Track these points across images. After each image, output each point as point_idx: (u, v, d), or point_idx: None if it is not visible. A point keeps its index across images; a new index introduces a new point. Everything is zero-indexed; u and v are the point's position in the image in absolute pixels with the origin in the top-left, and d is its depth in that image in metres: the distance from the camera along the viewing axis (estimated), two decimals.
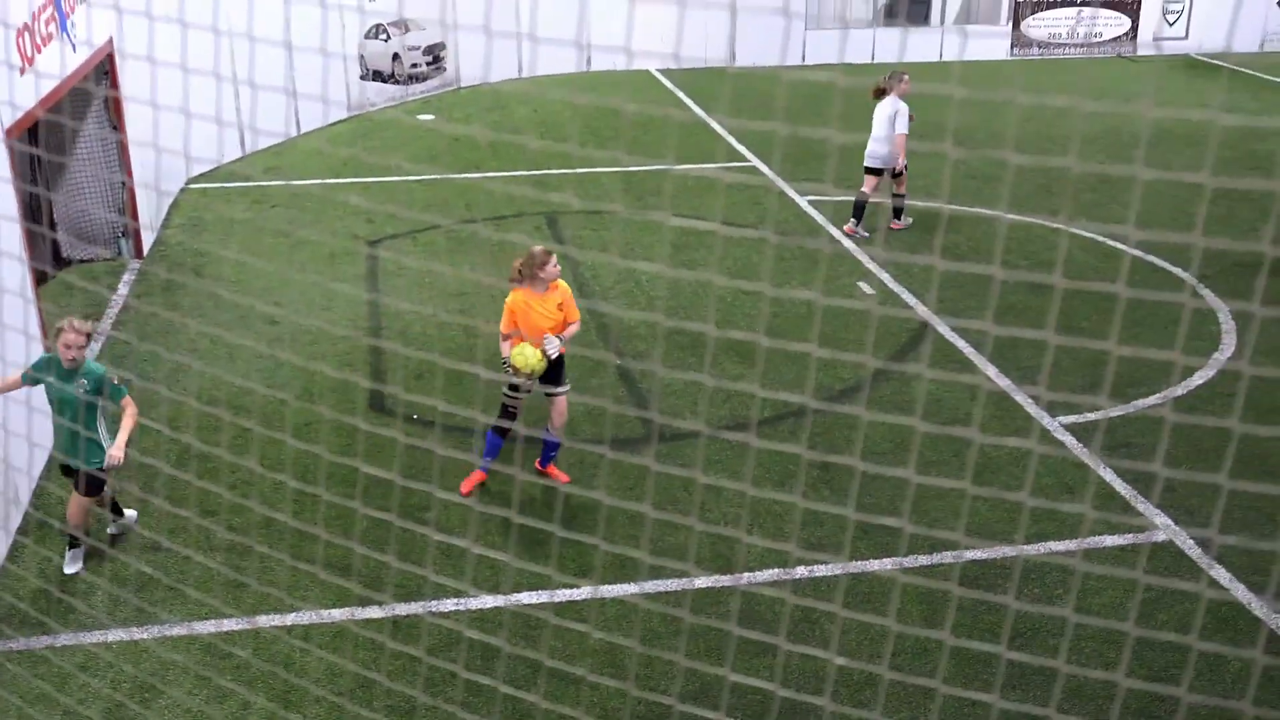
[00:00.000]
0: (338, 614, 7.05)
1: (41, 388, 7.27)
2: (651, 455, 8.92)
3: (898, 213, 13.89)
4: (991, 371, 10.29)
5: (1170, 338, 10.79)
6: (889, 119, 13.26)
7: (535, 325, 7.95)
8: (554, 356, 7.93)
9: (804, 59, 23.14)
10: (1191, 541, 7.94)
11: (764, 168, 16.36)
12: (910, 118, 13.35)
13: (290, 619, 6.99)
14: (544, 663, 6.54)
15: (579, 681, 6.46)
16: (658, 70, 22.50)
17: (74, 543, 7.44)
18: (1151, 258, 12.95)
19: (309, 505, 7.85)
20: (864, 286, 12.25)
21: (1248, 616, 7.19)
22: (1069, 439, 9.21)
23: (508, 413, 8.20)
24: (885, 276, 12.49)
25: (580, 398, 9.43)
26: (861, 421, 9.44)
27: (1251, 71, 23.35)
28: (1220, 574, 7.59)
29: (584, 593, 7.30)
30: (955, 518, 8.12)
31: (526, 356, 7.79)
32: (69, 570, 7.39)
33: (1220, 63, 24.03)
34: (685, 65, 22.32)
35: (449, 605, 7.16)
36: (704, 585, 7.41)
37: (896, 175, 13.59)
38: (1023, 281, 12.02)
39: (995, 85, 18.40)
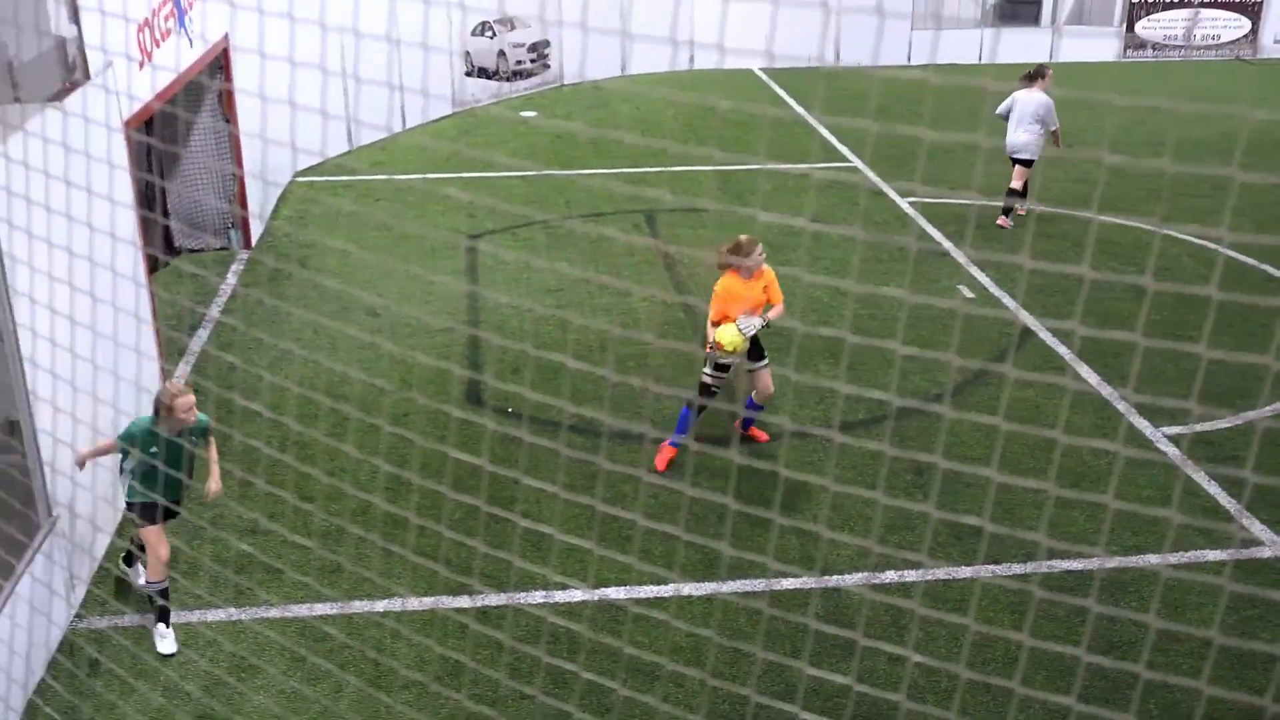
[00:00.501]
0: (428, 601, 7.17)
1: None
2: (741, 453, 8.92)
3: (1007, 210, 13.83)
4: (1094, 380, 10.08)
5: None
6: (1033, 112, 13.34)
7: (742, 309, 8.34)
8: (750, 335, 8.33)
9: (909, 59, 22.89)
10: None
11: (864, 168, 16.22)
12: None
13: (382, 605, 7.13)
14: (624, 650, 6.57)
15: (659, 674, 6.49)
16: (760, 69, 22.43)
17: (161, 614, 6.91)
18: (1266, 266, 12.56)
19: (403, 493, 8.00)
20: (964, 289, 12.09)
21: None
22: (1171, 449, 8.99)
23: (708, 391, 8.61)
24: (985, 280, 12.31)
25: (673, 390, 9.46)
26: (957, 425, 9.32)
27: None
28: None
29: (668, 590, 7.33)
30: (1050, 526, 7.97)
31: (733, 335, 8.27)
32: (168, 651, 6.82)
33: None
34: (787, 64, 22.23)
35: (537, 597, 7.24)
36: (790, 586, 7.39)
37: (1029, 164, 13.62)
38: (1129, 287, 11.75)
39: (1103, 87, 17.98)
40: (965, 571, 7.54)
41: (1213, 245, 13.15)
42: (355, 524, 7.69)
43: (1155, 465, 8.79)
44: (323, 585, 7.25)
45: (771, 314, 8.44)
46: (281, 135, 12.82)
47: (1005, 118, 13.64)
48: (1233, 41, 24.34)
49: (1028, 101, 13.38)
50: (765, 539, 7.79)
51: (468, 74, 19.31)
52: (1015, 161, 13.65)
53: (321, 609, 7.12)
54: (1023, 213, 14.10)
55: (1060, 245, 13.39)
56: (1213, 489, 8.48)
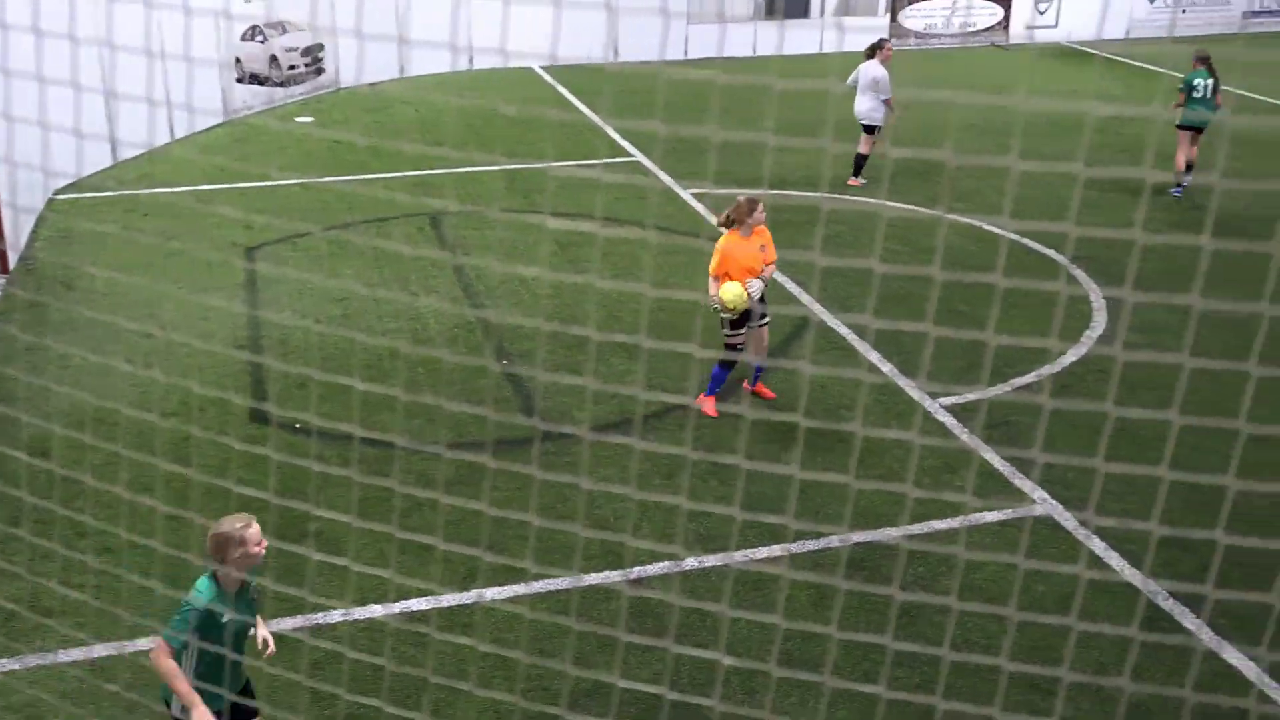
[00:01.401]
0: None
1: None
2: (537, 455, 8.88)
3: (857, 170, 15.33)
4: (874, 358, 10.43)
5: (1045, 319, 11.06)
6: (869, 82, 14.87)
7: (742, 265, 9.11)
8: (756, 296, 9.13)
9: (686, 54, 23.24)
10: (1069, 514, 8.14)
11: (648, 163, 16.38)
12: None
13: None
14: (428, 679, 6.45)
15: (463, 692, 6.39)
16: (540, 68, 22.42)
17: None
18: (1026, 241, 13.25)
19: (183, 526, 7.63)
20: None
21: (1124, 585, 7.39)
22: (950, 420, 9.39)
23: (734, 349, 9.37)
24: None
25: (460, 406, 9.34)
26: (745, 414, 9.51)
27: (1120, 58, 24.06)
28: (1097, 545, 7.80)
29: (469, 596, 7.23)
30: (841, 503, 8.21)
31: (735, 295, 9.00)
32: None
33: (1090, 50, 24.72)
34: (566, 62, 22.28)
35: (335, 616, 7.03)
36: (594, 582, 7.39)
37: (872, 130, 15.13)
38: (903, 268, 12.21)
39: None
40: (762, 553, 7.69)
41: (979, 223, 13.80)
42: (130, 565, 7.30)
43: (935, 438, 9.15)
44: (99, 632, 6.86)
45: (767, 272, 9.26)
46: (32, 157, 12.09)
47: (854, 87, 15.17)
48: (988, 29, 25.62)
49: (866, 72, 14.95)
50: (572, 539, 7.77)
51: (239, 80, 18.65)
52: (863, 128, 15.12)
53: (99, 650, 6.74)
54: (855, 183, 15.32)
55: (838, 230, 13.81)
56: (989, 455, 8.89)
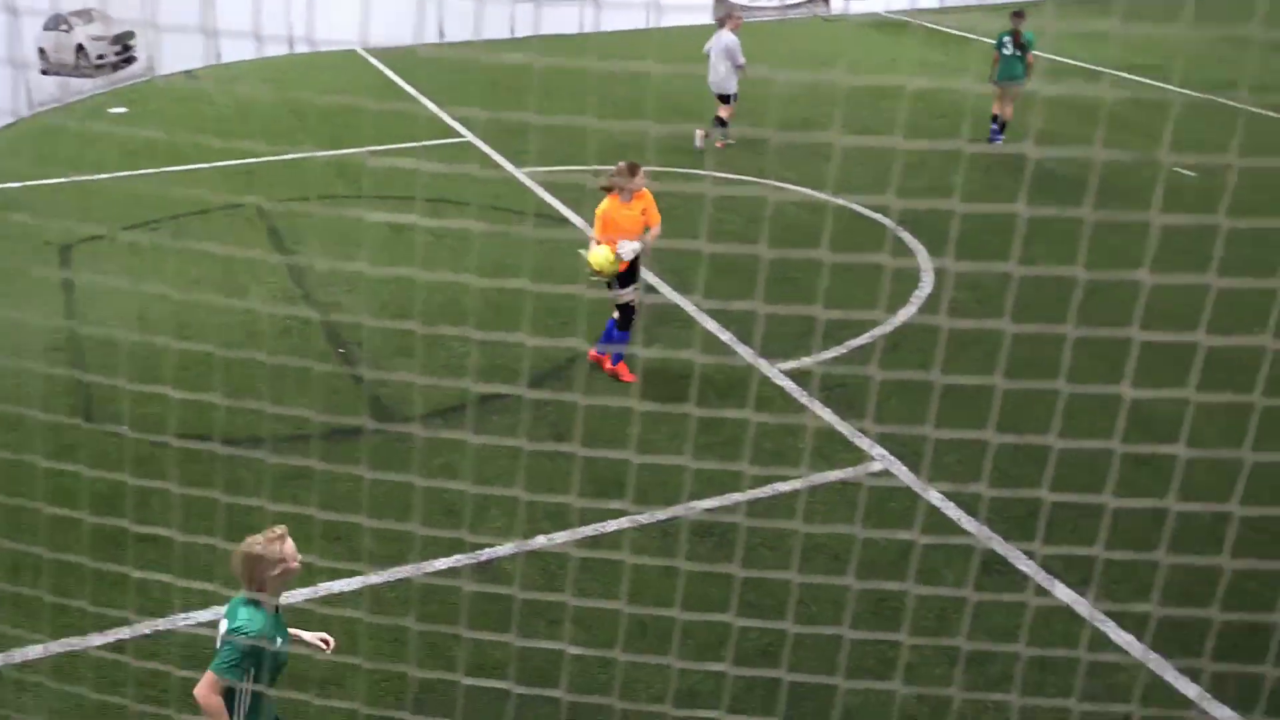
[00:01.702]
0: (56, 646, 6.55)
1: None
2: (373, 442, 8.71)
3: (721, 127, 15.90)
4: (712, 327, 10.54)
5: (877, 283, 11.32)
6: (721, 50, 15.46)
7: (619, 228, 9.18)
8: (628, 259, 9.14)
9: (513, 33, 23.01)
10: (905, 469, 8.37)
11: (479, 143, 16.19)
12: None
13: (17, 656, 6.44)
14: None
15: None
16: (364, 50, 21.94)
17: None
18: (855, 207, 13.55)
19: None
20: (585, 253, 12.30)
21: (961, 533, 7.64)
22: (789, 385, 9.54)
23: (628, 308, 9.46)
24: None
25: (295, 403, 9.09)
26: (593, 388, 9.50)
27: (936, 26, 24.77)
28: (934, 496, 8.03)
29: (309, 593, 7.05)
30: (686, 473, 8.25)
31: (601, 258, 8.99)
32: None
33: (907, 19, 25.41)
34: (390, 44, 21.85)
35: (204, 615, 6.77)
36: (443, 566, 7.29)
37: (725, 100, 15.72)
38: (736, 238, 12.36)
39: (698, 53, 18.76)
40: (611, 526, 7.70)
41: (810, 191, 14.05)
42: None
43: (776, 401, 9.30)
44: None
45: (649, 236, 9.29)
46: None
47: (709, 55, 15.72)
48: (809, 1, 26.10)
49: (718, 41, 15.58)
50: (414, 527, 7.63)
51: (44, 73, 17.77)
52: (718, 98, 15.74)
53: None
54: (721, 145, 15.89)
55: (670, 203, 13.87)
56: (827, 415, 9.08)
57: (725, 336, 10.37)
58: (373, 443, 8.70)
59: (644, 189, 9.30)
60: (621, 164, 9.31)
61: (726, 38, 15.53)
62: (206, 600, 6.77)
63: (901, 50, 22.51)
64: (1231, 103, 17.83)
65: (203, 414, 8.72)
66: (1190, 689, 6.36)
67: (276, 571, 4.60)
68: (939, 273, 11.72)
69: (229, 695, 4.54)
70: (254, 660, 4.54)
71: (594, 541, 7.56)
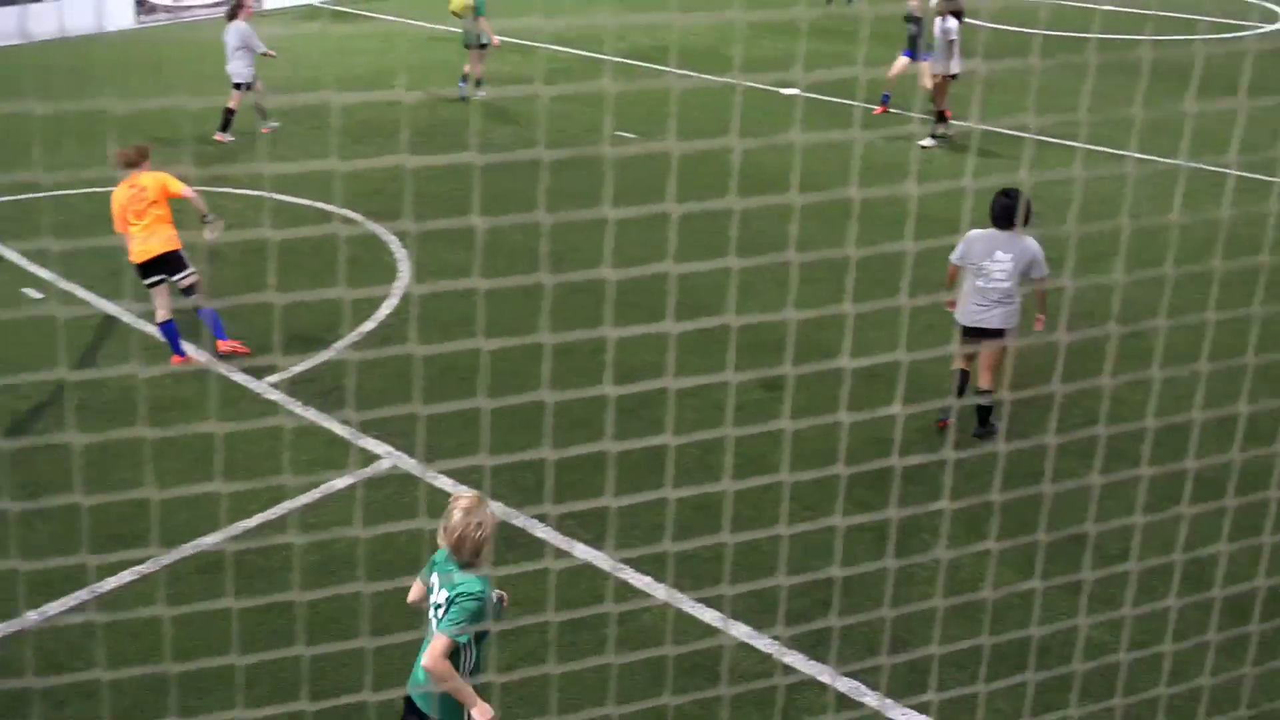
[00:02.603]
0: None
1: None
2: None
3: (224, 127, 15.79)
4: (189, 349, 9.90)
5: (357, 277, 11.15)
6: (233, 40, 15.32)
7: (128, 210, 9.32)
8: (214, 238, 9.67)
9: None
10: (413, 462, 8.31)
11: None
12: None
13: None
14: None
15: None
16: None
17: None
18: (320, 204, 13.24)
19: None
20: (31, 292, 11.13)
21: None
22: (281, 397, 9.18)
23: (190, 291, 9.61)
24: (52, 275, 11.44)
25: None
26: (66, 435, 8.60)
27: (361, 13, 24.71)
28: (444, 482, 8.05)
29: None
30: (191, 509, 7.67)
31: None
32: None
33: (347, 10, 25.15)
34: None
35: None
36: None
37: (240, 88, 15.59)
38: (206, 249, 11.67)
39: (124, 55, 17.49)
40: (111, 583, 7.02)
41: (259, 194, 13.55)
42: None
43: (271, 416, 8.90)
44: None
45: (187, 194, 9.45)
46: None
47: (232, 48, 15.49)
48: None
49: (229, 32, 15.41)
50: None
51: None
52: (234, 86, 15.58)
53: None
54: (266, 131, 16.01)
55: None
56: (326, 422, 8.82)
57: (204, 356, 9.78)
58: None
59: (139, 167, 9.39)
60: (125, 150, 9.55)
61: (242, 28, 15.33)
62: None
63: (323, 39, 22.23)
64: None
65: None
66: (709, 614, 6.85)
67: (483, 542, 4.77)
68: (415, 258, 11.74)
69: (453, 658, 4.69)
70: (479, 620, 4.68)
71: (110, 602, 6.85)
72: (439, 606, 4.77)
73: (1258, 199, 13.17)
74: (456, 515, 4.75)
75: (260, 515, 7.71)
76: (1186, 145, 13.46)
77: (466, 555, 4.75)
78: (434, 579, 4.86)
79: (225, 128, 15.75)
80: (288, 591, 6.93)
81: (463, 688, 4.71)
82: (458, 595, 4.68)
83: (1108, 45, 21.09)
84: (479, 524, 4.73)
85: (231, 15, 15.59)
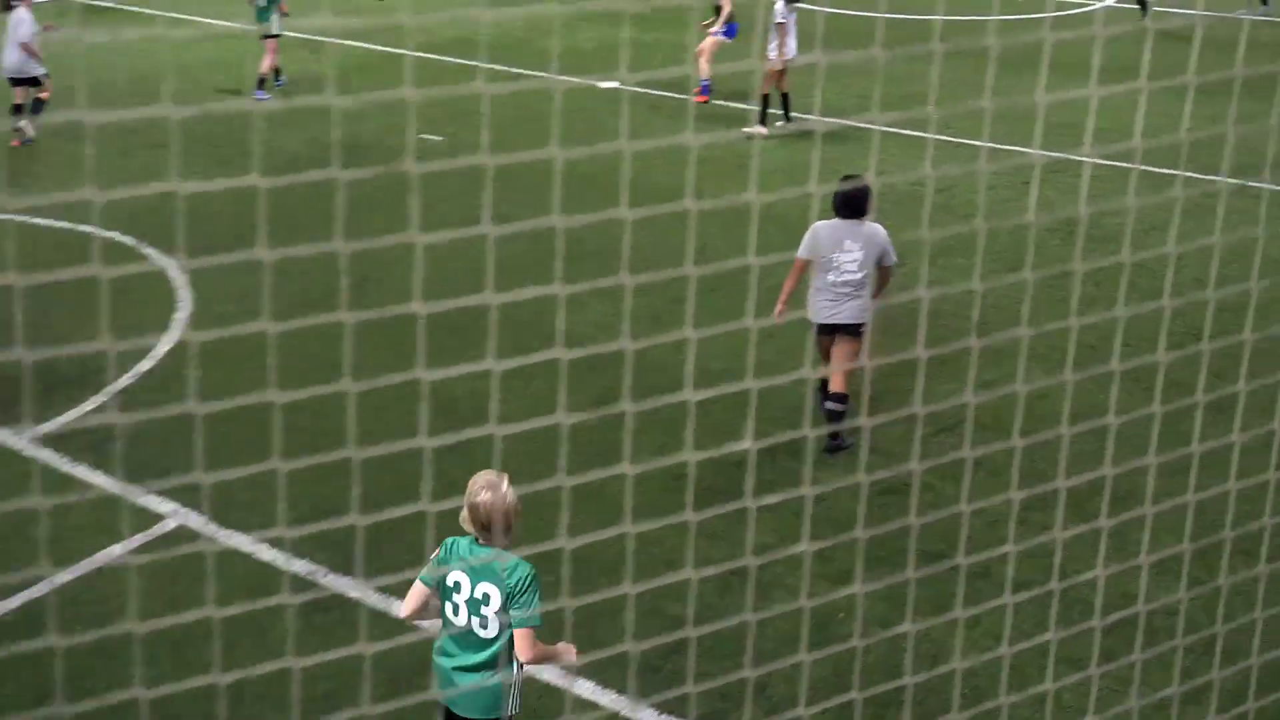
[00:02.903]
0: None
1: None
2: None
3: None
4: None
5: (131, 312, 10.03)
6: (20, 31, 14.46)
7: None
8: None
9: None
10: (201, 517, 7.38)
11: None
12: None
13: None
14: None
15: None
16: None
17: None
18: (85, 228, 11.94)
19: None
20: None
21: (264, 565, 6.87)
22: (48, 454, 8.08)
23: None
24: None
25: None
26: None
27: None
28: (241, 540, 7.16)
29: None
30: None
31: None
32: None
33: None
34: None
35: None
36: None
37: (33, 83, 14.82)
38: None
39: None
40: None
41: (43, 221, 12.20)
42: None
43: (38, 477, 7.80)
44: None
45: None
46: None
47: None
48: None
49: (16, 24, 14.48)
50: None
51: None
52: (11, 82, 14.82)
53: None
54: (16, 144, 15.00)
55: None
56: (100, 479, 7.79)
57: None
58: None
59: None
60: None
61: (23, 16, 14.50)
62: None
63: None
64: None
65: None
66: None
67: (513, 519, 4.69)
68: (196, 287, 10.67)
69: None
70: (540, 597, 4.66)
71: None
72: (481, 602, 4.62)
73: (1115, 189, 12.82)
74: (484, 495, 4.63)
75: (27, 593, 6.69)
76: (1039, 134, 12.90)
77: (500, 534, 4.64)
78: (456, 574, 4.66)
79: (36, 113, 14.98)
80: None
81: (553, 651, 4.78)
82: (521, 581, 4.60)
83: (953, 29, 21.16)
84: (506, 498, 4.64)
85: (9, 5, 14.75)
